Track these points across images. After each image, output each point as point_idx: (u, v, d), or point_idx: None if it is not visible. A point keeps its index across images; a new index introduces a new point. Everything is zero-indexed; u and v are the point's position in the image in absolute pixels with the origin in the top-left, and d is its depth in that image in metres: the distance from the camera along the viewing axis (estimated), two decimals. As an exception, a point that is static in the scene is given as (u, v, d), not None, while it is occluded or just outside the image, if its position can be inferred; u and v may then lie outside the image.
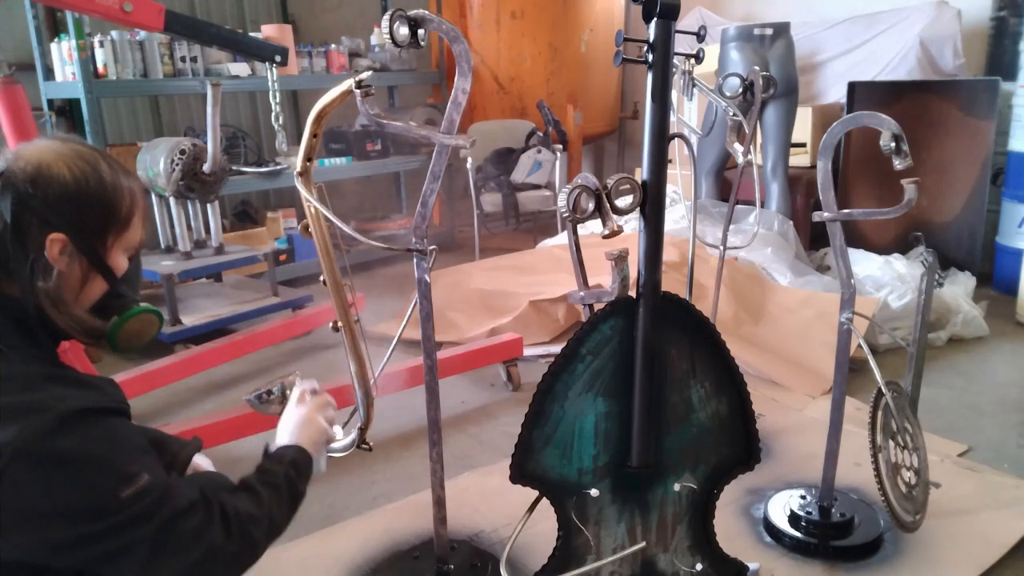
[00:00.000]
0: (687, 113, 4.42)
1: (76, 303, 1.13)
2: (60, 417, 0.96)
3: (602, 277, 1.61)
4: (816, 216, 1.88)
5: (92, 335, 1.16)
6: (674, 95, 1.46)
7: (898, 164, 1.72)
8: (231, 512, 1.11)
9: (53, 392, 0.99)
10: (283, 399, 1.60)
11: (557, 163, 4.98)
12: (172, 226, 3.75)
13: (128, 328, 1.21)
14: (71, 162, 1.09)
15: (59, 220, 1.07)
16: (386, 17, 1.39)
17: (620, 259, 1.37)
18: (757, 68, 2.58)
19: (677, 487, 1.48)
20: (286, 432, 1.40)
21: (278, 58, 3.66)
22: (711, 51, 4.38)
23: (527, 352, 3.18)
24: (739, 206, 3.59)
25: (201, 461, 1.47)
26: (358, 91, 1.39)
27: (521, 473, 1.41)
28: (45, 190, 1.06)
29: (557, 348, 2.27)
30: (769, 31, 4.10)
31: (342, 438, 1.62)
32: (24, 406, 0.96)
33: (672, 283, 3.21)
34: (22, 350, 1.04)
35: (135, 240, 1.19)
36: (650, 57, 1.31)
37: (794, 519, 2.02)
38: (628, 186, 1.34)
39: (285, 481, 1.26)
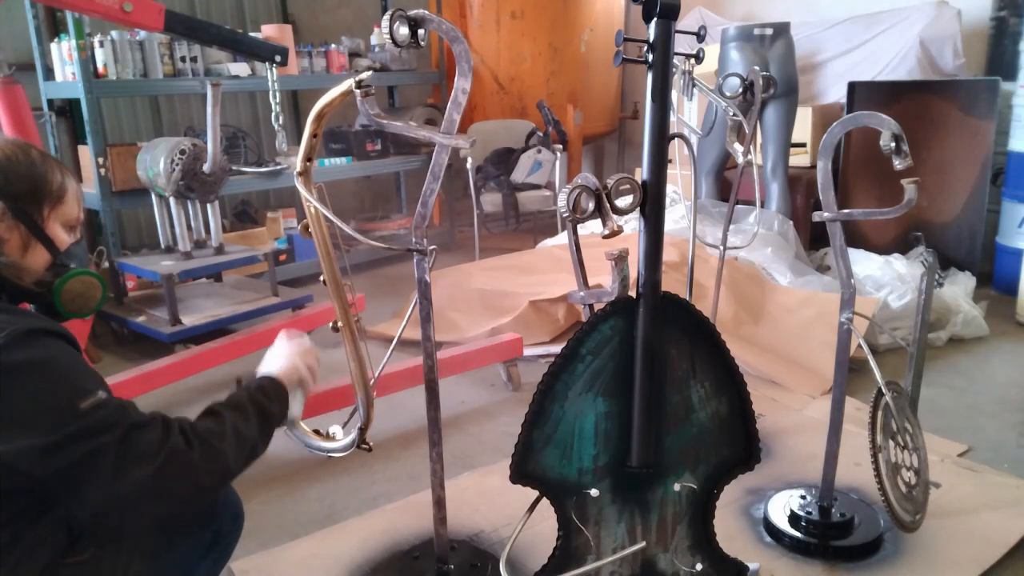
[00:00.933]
0: (687, 113, 4.42)
1: (23, 270, 1.25)
2: (12, 335, 1.06)
3: (602, 277, 1.61)
4: (816, 216, 1.88)
5: (39, 296, 1.29)
6: (674, 95, 1.46)
7: (898, 164, 1.72)
8: (189, 428, 1.19)
9: (5, 319, 1.09)
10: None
11: (557, 163, 4.98)
12: (172, 226, 3.75)
13: (70, 288, 1.32)
14: (4, 147, 1.28)
15: None
16: (386, 17, 1.39)
17: (620, 259, 1.37)
18: (757, 68, 2.58)
19: (677, 487, 1.48)
20: (262, 366, 1.47)
21: (278, 58, 3.66)
22: (711, 51, 4.38)
23: (527, 352, 3.18)
24: (739, 206, 3.59)
25: None
26: (358, 91, 1.39)
27: (521, 473, 1.41)
28: None
29: (557, 348, 2.28)
30: (769, 31, 4.10)
31: (342, 438, 1.62)
32: None
33: (672, 283, 3.21)
34: None
35: (71, 215, 1.33)
36: (650, 57, 1.31)
37: (794, 519, 2.02)
38: (628, 186, 1.34)
39: (250, 402, 1.33)
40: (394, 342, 1.77)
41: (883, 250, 3.93)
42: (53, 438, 1.04)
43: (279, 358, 1.48)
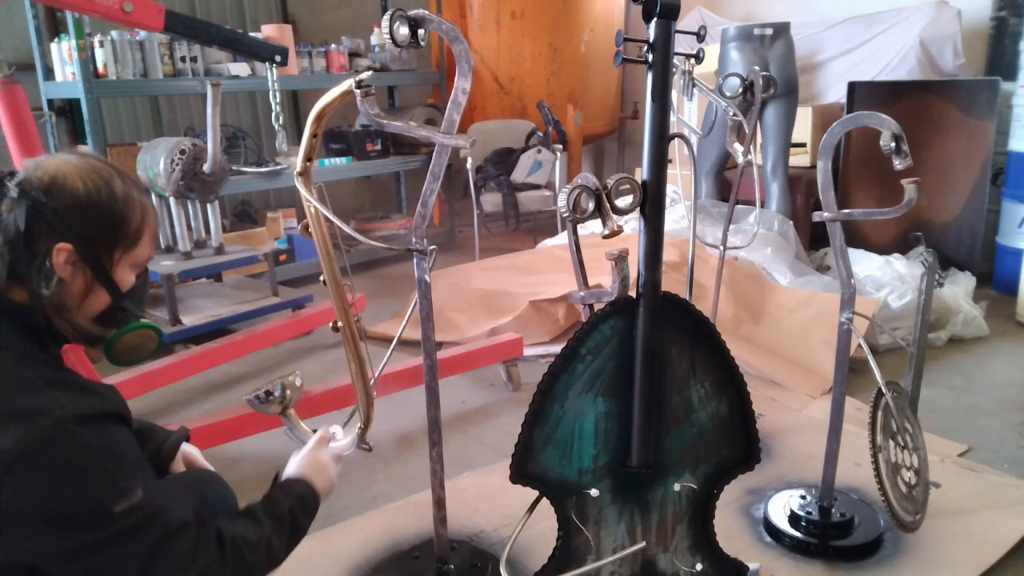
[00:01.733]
0: (687, 113, 4.42)
1: (79, 312, 1.14)
2: (59, 423, 0.97)
3: (602, 277, 1.61)
4: (816, 216, 1.88)
5: (91, 343, 1.17)
6: (674, 95, 1.46)
7: (898, 164, 1.72)
8: (227, 536, 1.12)
9: (53, 397, 1.00)
10: (283, 399, 1.60)
11: (557, 163, 4.98)
12: (172, 226, 3.74)
13: (126, 341, 1.25)
14: (86, 175, 1.12)
15: (67, 230, 1.09)
16: (386, 17, 1.39)
17: (620, 259, 1.37)
18: (757, 68, 2.58)
19: (677, 487, 1.48)
20: (301, 468, 1.41)
21: (278, 58, 3.66)
22: (711, 51, 4.38)
23: (527, 352, 3.18)
24: (739, 206, 3.59)
25: (190, 450, 1.48)
26: (358, 91, 1.39)
27: (521, 473, 1.41)
28: (57, 200, 1.09)
29: (557, 348, 2.27)
30: (769, 31, 4.10)
31: (342, 438, 1.62)
32: (23, 411, 0.97)
33: (672, 283, 3.21)
34: (24, 351, 1.06)
35: (143, 257, 1.21)
36: (650, 57, 1.31)
37: (794, 519, 2.02)
38: (628, 186, 1.34)
39: (289, 514, 1.27)
40: (394, 342, 1.77)
41: (883, 250, 3.93)
42: (80, 541, 0.97)
43: (319, 470, 1.42)
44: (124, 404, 1.11)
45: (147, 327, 1.28)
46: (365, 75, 1.40)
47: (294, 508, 1.29)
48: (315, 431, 1.62)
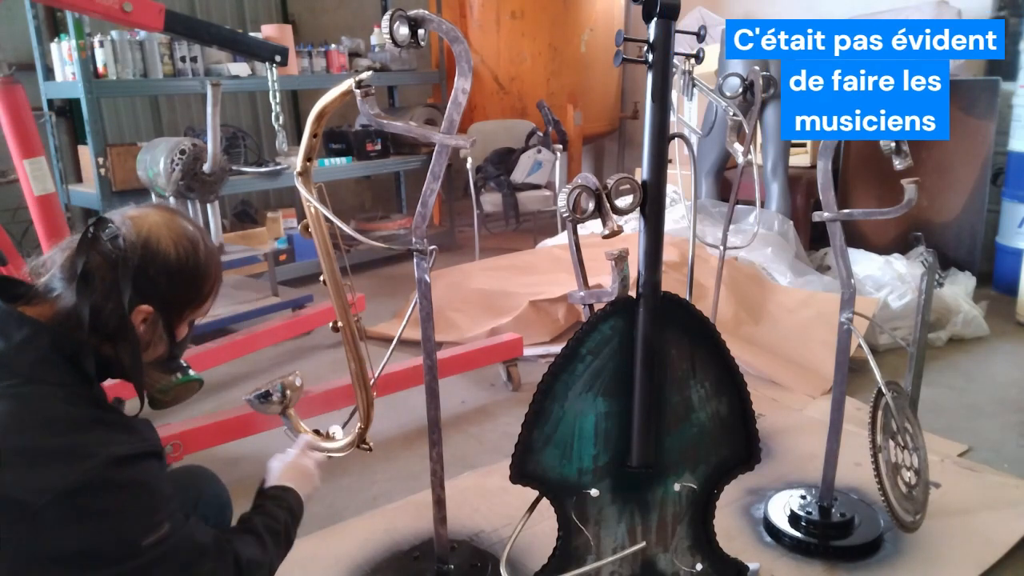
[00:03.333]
0: (687, 113, 4.41)
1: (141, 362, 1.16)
2: (103, 464, 1.00)
3: (602, 277, 1.61)
4: (816, 216, 1.88)
5: (147, 389, 1.20)
6: (674, 95, 1.46)
7: (898, 164, 1.72)
8: (244, 561, 1.16)
9: (99, 438, 1.03)
10: (283, 399, 1.60)
11: (557, 163, 4.97)
12: (172, 226, 3.74)
13: (177, 391, 1.28)
14: (178, 240, 1.15)
15: (153, 293, 1.12)
16: (386, 17, 1.39)
17: (620, 259, 1.37)
18: (757, 68, 2.57)
19: (677, 487, 1.48)
20: (288, 476, 1.43)
21: (278, 58, 3.66)
22: (711, 51, 4.38)
23: (527, 352, 3.18)
24: (739, 206, 3.58)
25: None
26: (358, 91, 1.39)
27: (521, 473, 1.41)
28: (149, 265, 1.11)
29: (557, 348, 2.27)
30: (769, 31, 4.10)
31: (342, 438, 1.62)
32: (72, 450, 1.00)
33: (672, 283, 3.20)
34: (73, 388, 1.07)
35: (204, 313, 1.24)
36: (650, 57, 1.31)
37: (794, 519, 2.02)
38: (628, 186, 1.34)
39: (284, 528, 1.30)
40: (394, 342, 1.77)
41: (883, 250, 3.93)
42: (105, 574, 1.01)
43: (305, 479, 1.44)
44: (158, 440, 1.15)
45: (194, 380, 1.32)
46: (365, 75, 1.40)
47: (287, 521, 1.32)
48: (315, 431, 1.62)
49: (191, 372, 1.28)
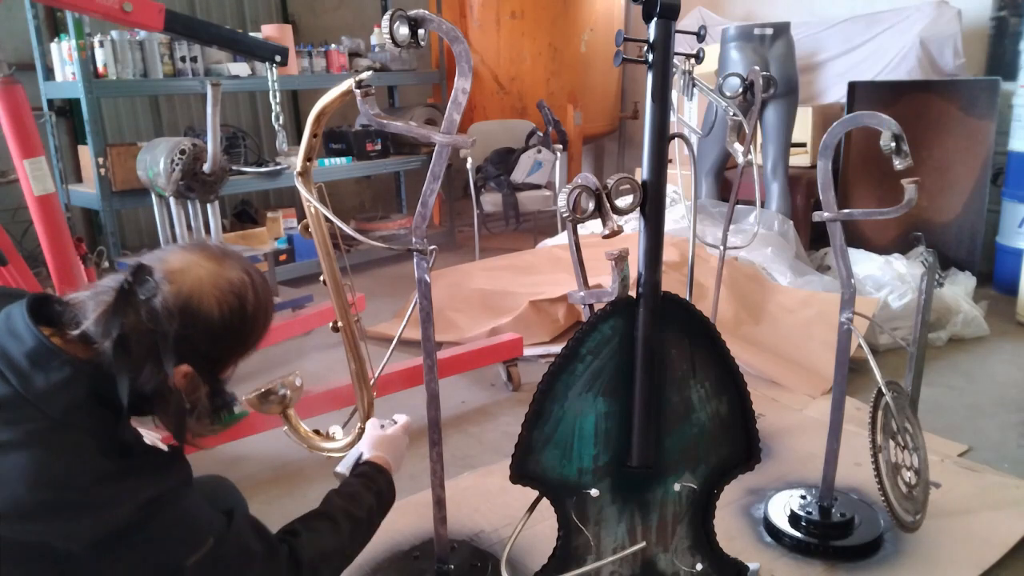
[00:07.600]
0: (687, 113, 4.42)
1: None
2: (133, 510, 0.98)
3: (602, 277, 1.61)
4: (816, 216, 1.88)
5: (189, 443, 1.15)
6: (674, 95, 1.46)
7: (898, 164, 1.72)
8: (305, 559, 1.15)
9: (128, 484, 1.00)
10: (283, 399, 1.60)
11: (557, 163, 4.98)
12: (172, 226, 3.74)
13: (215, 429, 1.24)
14: (222, 296, 1.07)
15: (194, 355, 1.06)
16: (386, 17, 1.39)
17: (620, 259, 1.37)
18: (757, 68, 2.58)
19: (677, 487, 1.48)
20: (387, 451, 1.45)
21: (278, 58, 3.65)
22: (711, 51, 4.38)
23: (527, 352, 3.18)
24: (739, 206, 3.59)
25: None
26: (358, 91, 1.39)
27: (521, 473, 1.41)
28: (190, 327, 1.04)
29: (557, 348, 2.27)
30: (769, 31, 4.10)
31: (342, 438, 1.62)
32: (99, 504, 0.97)
33: (672, 283, 3.20)
34: (104, 437, 1.01)
35: (250, 354, 1.18)
36: (650, 57, 1.31)
37: (794, 519, 2.02)
38: (628, 186, 1.34)
39: (368, 514, 1.29)
40: (394, 342, 1.77)
41: (883, 250, 3.93)
42: None
43: (399, 458, 1.47)
44: (188, 467, 1.11)
45: (243, 415, 1.26)
46: (365, 75, 1.40)
47: (372, 507, 1.31)
48: (315, 431, 1.62)
49: (236, 408, 1.21)
